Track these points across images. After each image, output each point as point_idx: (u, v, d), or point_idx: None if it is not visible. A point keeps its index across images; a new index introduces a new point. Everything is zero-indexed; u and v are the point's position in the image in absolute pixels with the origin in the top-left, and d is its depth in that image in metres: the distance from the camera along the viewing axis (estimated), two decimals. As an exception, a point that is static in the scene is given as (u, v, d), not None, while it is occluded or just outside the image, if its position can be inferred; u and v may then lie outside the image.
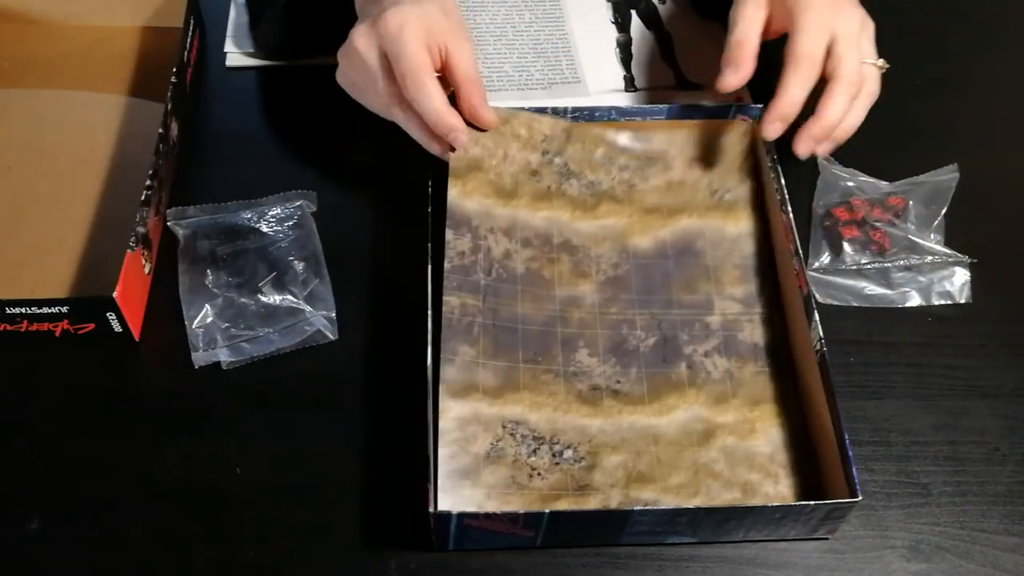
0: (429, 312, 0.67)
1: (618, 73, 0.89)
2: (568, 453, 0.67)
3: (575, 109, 0.77)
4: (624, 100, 0.86)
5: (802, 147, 0.72)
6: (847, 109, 0.71)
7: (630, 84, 0.88)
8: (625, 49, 0.90)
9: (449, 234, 0.72)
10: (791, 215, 0.72)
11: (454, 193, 0.74)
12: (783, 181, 0.74)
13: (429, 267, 0.69)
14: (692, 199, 0.78)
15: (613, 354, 0.71)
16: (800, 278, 0.70)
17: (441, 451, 0.65)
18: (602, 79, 0.88)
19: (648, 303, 0.74)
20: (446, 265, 0.71)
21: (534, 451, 0.67)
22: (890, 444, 0.70)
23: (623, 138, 0.79)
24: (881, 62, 0.74)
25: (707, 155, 0.79)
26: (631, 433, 0.68)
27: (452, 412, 0.66)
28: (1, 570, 0.63)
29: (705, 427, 0.69)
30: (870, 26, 0.74)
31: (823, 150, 0.73)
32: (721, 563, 0.65)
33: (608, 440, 0.68)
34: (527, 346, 0.71)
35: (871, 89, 0.73)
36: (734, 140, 0.78)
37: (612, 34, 0.92)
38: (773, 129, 0.72)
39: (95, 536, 0.64)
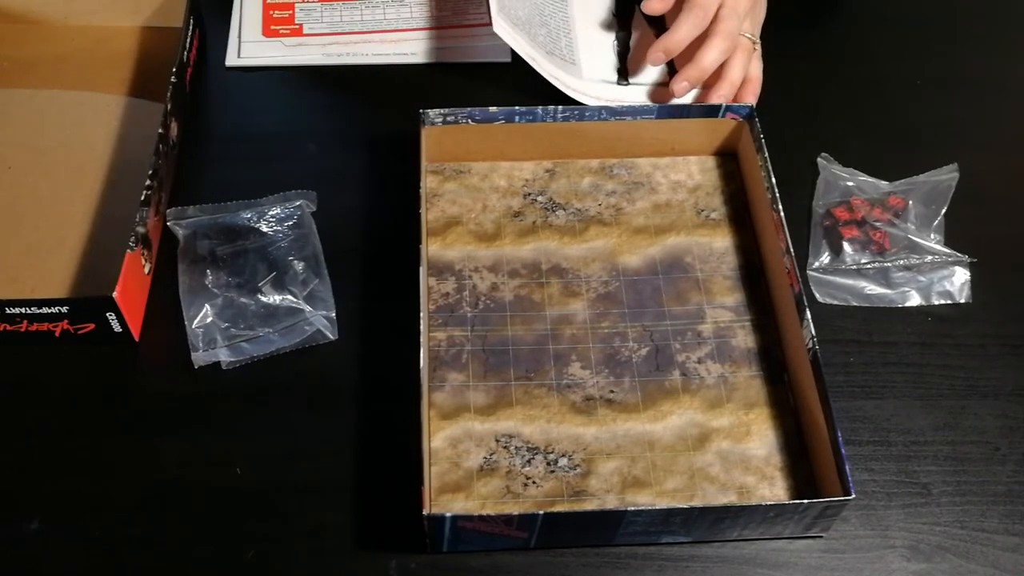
0: (423, 340, 0.67)
1: (613, 64, 0.89)
2: (563, 461, 0.67)
3: (564, 109, 0.78)
4: (616, 92, 0.87)
5: (676, 87, 0.82)
6: (718, 59, 0.81)
7: (623, 77, 0.88)
8: (623, 42, 0.91)
9: (432, 281, 0.74)
10: (782, 213, 0.72)
11: (434, 248, 0.75)
12: (773, 179, 0.74)
13: (422, 267, 0.69)
14: (679, 219, 0.79)
15: (606, 365, 0.71)
16: (792, 276, 0.70)
17: (433, 469, 0.65)
18: (596, 67, 0.88)
19: (639, 316, 0.74)
20: (430, 307, 0.72)
21: (528, 461, 0.67)
22: (890, 444, 0.70)
23: (608, 165, 0.81)
24: (757, 43, 0.85)
25: (691, 178, 0.81)
26: (626, 440, 0.68)
27: (443, 432, 0.67)
28: (1, 570, 0.63)
29: (700, 431, 0.69)
30: (760, 12, 0.87)
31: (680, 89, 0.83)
32: (721, 563, 0.65)
33: (603, 447, 0.68)
34: (518, 364, 0.71)
35: (745, 53, 0.84)
36: (717, 164, 0.82)
37: (613, 25, 0.92)
38: (656, 57, 0.82)
39: (95, 536, 0.64)
